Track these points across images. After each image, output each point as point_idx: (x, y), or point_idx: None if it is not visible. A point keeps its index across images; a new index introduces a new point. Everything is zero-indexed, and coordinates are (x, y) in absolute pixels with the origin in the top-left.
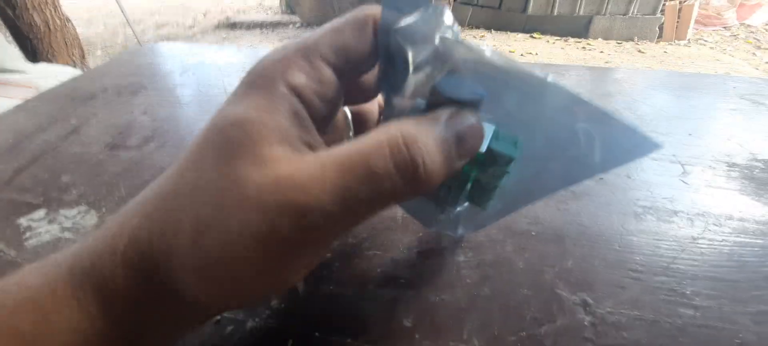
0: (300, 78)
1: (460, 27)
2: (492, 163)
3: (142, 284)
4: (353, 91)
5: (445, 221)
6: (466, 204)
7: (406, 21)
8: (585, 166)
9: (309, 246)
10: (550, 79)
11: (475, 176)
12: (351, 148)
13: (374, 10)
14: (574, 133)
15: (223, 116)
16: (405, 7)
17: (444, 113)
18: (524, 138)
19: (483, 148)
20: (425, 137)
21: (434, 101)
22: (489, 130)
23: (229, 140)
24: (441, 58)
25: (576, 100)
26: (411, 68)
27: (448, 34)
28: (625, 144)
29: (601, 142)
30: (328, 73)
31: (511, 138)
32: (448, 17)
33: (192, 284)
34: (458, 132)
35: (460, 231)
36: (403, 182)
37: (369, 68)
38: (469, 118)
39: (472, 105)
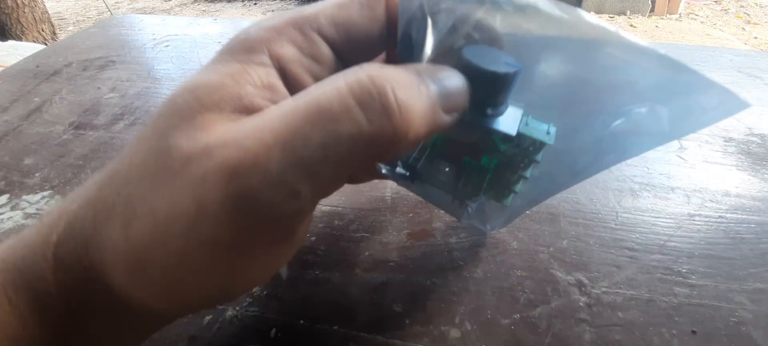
0: (288, 50)
1: None
2: (518, 152)
3: (75, 284)
4: None
5: (476, 213)
6: (484, 198)
7: None
8: (646, 137)
9: (258, 229)
10: (620, 32)
11: (496, 165)
12: (300, 95)
13: None
14: (634, 102)
15: (183, 83)
16: None
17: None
18: (561, 123)
19: (512, 132)
20: (396, 73)
21: (465, 63)
22: (517, 113)
23: (174, 108)
24: (464, 17)
25: (641, 49)
26: (429, 29)
27: None
28: (705, 103)
29: (671, 104)
30: (325, 50)
31: (542, 125)
32: None
33: (124, 283)
34: (441, 81)
35: (488, 226)
36: (368, 120)
37: (376, 52)
38: (452, 74)
39: (504, 81)
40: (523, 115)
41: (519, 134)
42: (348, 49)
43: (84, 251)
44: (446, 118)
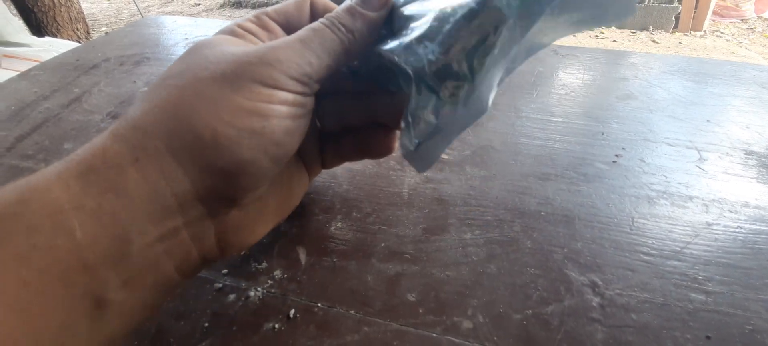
0: (249, 25)
1: None
2: (486, 14)
3: (127, 149)
4: None
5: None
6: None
7: None
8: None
9: (291, 76)
10: None
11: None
12: (299, 31)
13: None
14: None
15: (199, 40)
16: None
17: None
18: None
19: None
20: (336, 11)
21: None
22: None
23: (206, 41)
24: None
25: None
26: None
27: None
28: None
29: None
30: (274, 25)
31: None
32: None
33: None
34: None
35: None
36: (333, 30)
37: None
38: None
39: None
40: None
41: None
42: (287, 27)
43: (142, 126)
44: (375, 15)
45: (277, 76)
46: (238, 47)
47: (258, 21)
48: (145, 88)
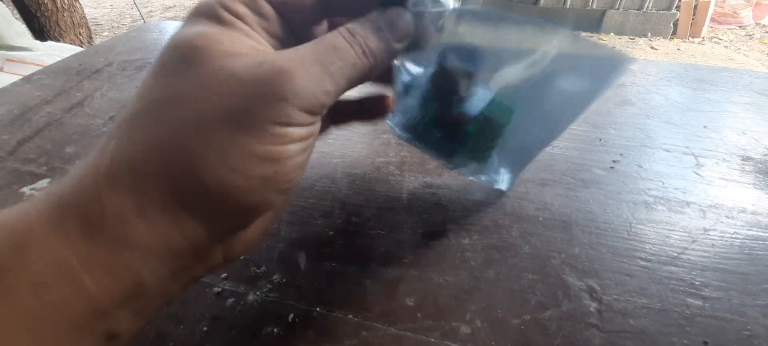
0: (240, 7)
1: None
2: (487, 126)
3: (129, 198)
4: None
5: (466, 169)
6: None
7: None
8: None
9: (304, 111)
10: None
11: (472, 131)
12: (317, 40)
13: None
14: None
15: (179, 36)
16: None
17: (376, 11)
18: (521, 103)
19: (475, 112)
20: (363, 29)
21: (441, 66)
22: (486, 97)
23: (193, 49)
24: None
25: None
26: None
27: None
28: (601, 71)
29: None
30: (269, 9)
31: (507, 106)
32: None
33: (219, 173)
34: (389, 21)
35: (502, 184)
36: (356, 52)
37: (306, 25)
38: (399, 11)
39: (473, 51)
40: (491, 99)
41: (483, 114)
42: (287, 8)
43: (142, 168)
44: (398, 46)
45: (292, 112)
46: (243, 64)
47: (251, 2)
48: (128, 107)
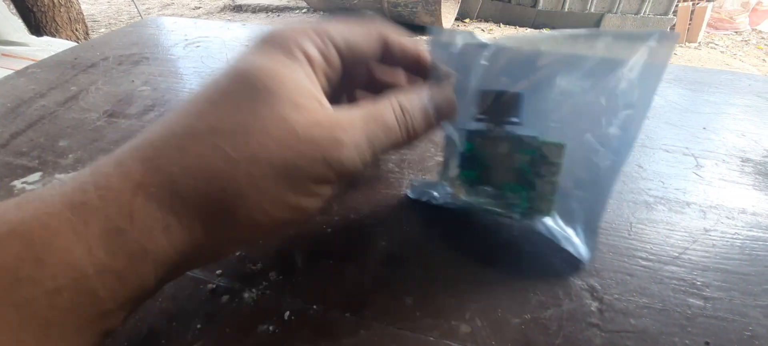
0: (312, 49)
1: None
2: (540, 158)
3: (160, 212)
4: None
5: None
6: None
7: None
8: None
9: (340, 174)
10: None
11: (526, 174)
12: (368, 106)
13: (388, 31)
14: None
15: (247, 64)
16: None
17: (427, 88)
18: (569, 137)
19: (533, 133)
20: (412, 108)
21: (484, 104)
22: (533, 137)
23: (259, 86)
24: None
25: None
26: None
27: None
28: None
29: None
30: (336, 56)
31: (556, 143)
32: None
33: (252, 207)
34: (436, 104)
35: (577, 248)
36: (401, 131)
37: (364, 74)
38: (446, 92)
39: (516, 98)
40: (539, 139)
41: (535, 138)
42: (350, 59)
43: (183, 191)
44: (437, 125)
45: (332, 176)
46: (303, 122)
47: (323, 46)
48: (171, 116)
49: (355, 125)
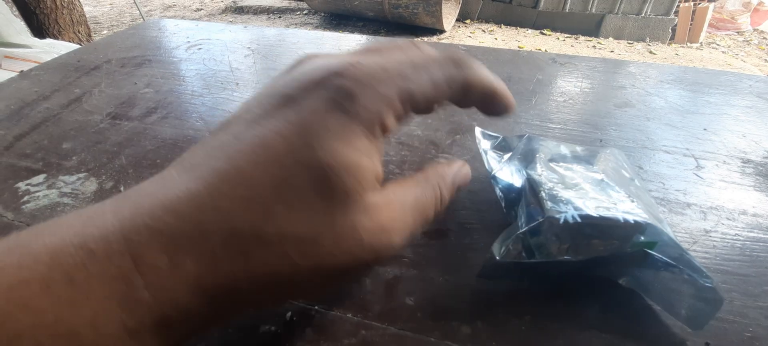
0: (392, 122)
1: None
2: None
3: (215, 309)
4: None
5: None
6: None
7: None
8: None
9: (374, 262)
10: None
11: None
12: (418, 193)
13: (473, 74)
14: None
15: (326, 154)
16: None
17: (455, 167)
18: None
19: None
20: (447, 194)
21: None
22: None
23: (338, 189)
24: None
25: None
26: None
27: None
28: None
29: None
30: (408, 115)
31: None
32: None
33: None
34: (460, 184)
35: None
36: (434, 212)
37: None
38: (466, 170)
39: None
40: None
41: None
42: (419, 108)
43: (232, 286)
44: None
45: (370, 268)
46: (369, 229)
47: (403, 114)
48: (228, 202)
49: (406, 223)
